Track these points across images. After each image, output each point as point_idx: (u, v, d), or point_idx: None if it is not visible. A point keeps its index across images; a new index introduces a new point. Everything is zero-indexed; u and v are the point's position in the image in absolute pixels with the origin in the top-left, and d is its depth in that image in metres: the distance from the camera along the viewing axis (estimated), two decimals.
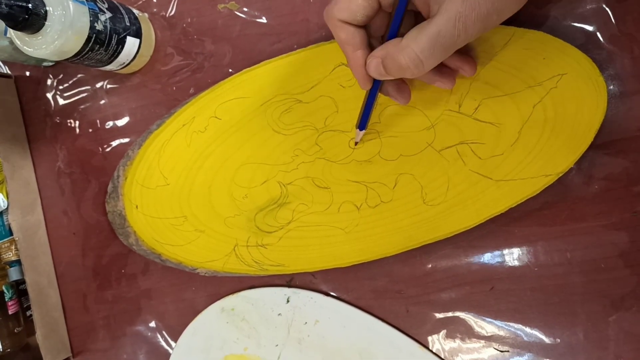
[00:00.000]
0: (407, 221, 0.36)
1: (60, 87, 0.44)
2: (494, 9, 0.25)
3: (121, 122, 0.43)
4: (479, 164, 0.35)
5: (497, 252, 0.36)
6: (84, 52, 0.36)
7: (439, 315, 0.38)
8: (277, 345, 0.40)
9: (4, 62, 0.46)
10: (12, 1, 0.31)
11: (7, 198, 0.42)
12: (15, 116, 0.45)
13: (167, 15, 0.42)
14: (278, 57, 0.37)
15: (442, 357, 0.37)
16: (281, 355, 0.40)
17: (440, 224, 0.36)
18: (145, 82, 0.42)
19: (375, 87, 0.31)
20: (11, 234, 0.44)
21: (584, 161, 0.34)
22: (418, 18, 0.30)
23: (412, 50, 0.26)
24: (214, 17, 0.41)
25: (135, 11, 0.40)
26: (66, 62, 0.37)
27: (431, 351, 0.37)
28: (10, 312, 0.43)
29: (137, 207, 0.41)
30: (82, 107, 0.44)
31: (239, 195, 0.39)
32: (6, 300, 0.43)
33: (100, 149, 0.44)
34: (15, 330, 0.43)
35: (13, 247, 0.45)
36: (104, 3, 0.36)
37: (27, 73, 0.45)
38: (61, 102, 0.45)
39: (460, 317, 0.37)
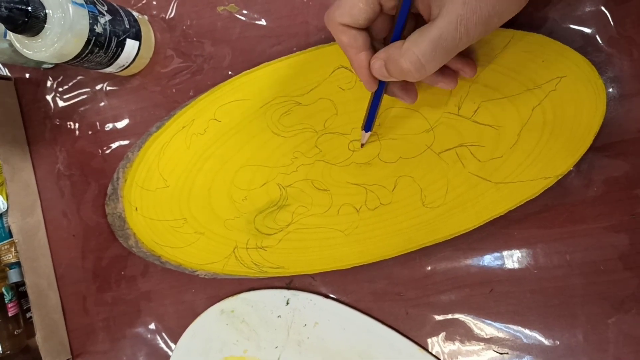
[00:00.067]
0: (407, 223, 0.36)
1: (60, 90, 0.44)
2: (494, 11, 0.25)
3: (121, 124, 0.43)
4: (479, 167, 0.35)
5: (496, 255, 0.36)
6: (83, 55, 0.36)
7: (438, 318, 0.38)
8: (276, 347, 0.40)
9: (4, 65, 0.46)
10: (12, 4, 0.31)
11: (7, 200, 0.42)
12: (15, 118, 0.45)
13: (167, 17, 0.42)
14: (277, 59, 0.38)
15: (442, 359, 0.37)
16: (281, 357, 0.40)
17: (440, 227, 0.36)
18: (144, 85, 0.42)
19: (381, 89, 0.31)
20: (11, 236, 0.44)
21: (583, 163, 0.34)
22: (419, 20, 0.30)
23: (413, 53, 0.26)
24: (214, 19, 0.41)
25: (135, 13, 0.40)
26: (66, 65, 0.37)
27: (431, 353, 0.37)
28: (10, 314, 0.43)
29: (136, 209, 0.41)
30: (81, 109, 0.44)
31: (239, 198, 0.39)
32: (6, 302, 0.43)
33: (100, 151, 0.44)
34: (15, 332, 0.43)
35: (13, 249, 0.45)
36: (103, 6, 0.37)
37: (27, 75, 0.45)
38: (61, 104, 0.45)
39: (460, 319, 0.37)
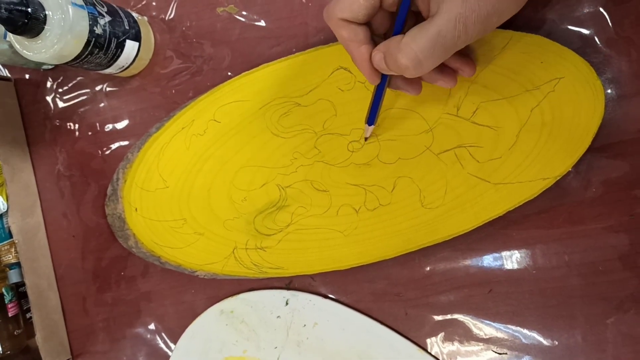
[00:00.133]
0: (406, 224, 0.36)
1: (60, 90, 0.45)
2: (494, 10, 0.25)
3: (120, 125, 0.43)
4: (477, 167, 0.35)
5: (495, 255, 0.37)
6: (83, 56, 0.36)
7: (437, 318, 0.38)
8: (276, 348, 0.40)
9: (4, 65, 0.46)
10: (12, 5, 0.31)
11: (7, 201, 0.43)
12: (15, 119, 0.45)
13: (167, 18, 0.42)
14: (277, 60, 0.38)
15: (441, 359, 0.38)
16: (280, 357, 0.40)
17: (439, 227, 0.36)
18: (144, 85, 0.42)
19: (383, 82, 0.31)
20: (11, 236, 0.44)
21: (582, 164, 0.34)
22: (419, 18, 0.30)
23: (411, 49, 0.26)
24: (213, 20, 0.41)
25: (135, 14, 0.40)
26: (65, 66, 0.37)
27: (430, 354, 0.38)
28: (10, 315, 0.43)
29: (136, 209, 0.41)
30: (81, 110, 0.44)
31: (238, 198, 0.39)
32: (6, 302, 0.43)
33: (100, 152, 0.44)
34: (15, 333, 0.43)
35: (13, 249, 0.45)
36: (103, 7, 0.37)
37: (27, 76, 0.45)
38: (61, 105, 0.45)
39: (459, 319, 0.37)
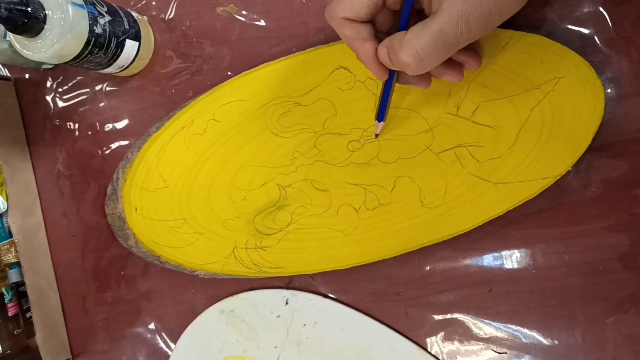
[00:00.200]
0: (406, 224, 0.36)
1: (60, 90, 0.45)
2: (495, 8, 0.25)
3: (120, 125, 0.43)
4: (477, 167, 0.35)
5: (495, 255, 0.37)
6: (83, 56, 0.36)
7: (437, 318, 0.38)
8: (276, 347, 0.40)
9: (4, 65, 0.46)
10: (12, 5, 0.31)
11: (7, 200, 0.43)
12: (15, 119, 0.45)
13: (166, 18, 0.42)
14: (277, 60, 0.38)
15: (441, 359, 0.38)
16: (280, 357, 0.40)
17: (439, 227, 0.36)
18: (144, 85, 0.42)
19: (391, 77, 0.31)
20: (11, 236, 0.44)
21: (582, 164, 0.34)
22: (421, 16, 0.30)
23: (412, 46, 0.26)
24: (213, 20, 0.41)
25: (134, 14, 0.40)
26: (65, 65, 0.37)
27: (430, 353, 0.38)
28: (10, 314, 0.43)
29: (136, 209, 0.41)
30: (81, 109, 0.44)
31: (238, 198, 0.39)
32: (6, 302, 0.43)
33: (100, 152, 0.44)
34: (15, 332, 0.43)
35: (13, 249, 0.45)
36: (103, 6, 0.37)
37: (27, 76, 0.45)
38: (60, 104, 0.45)
39: (459, 319, 0.37)
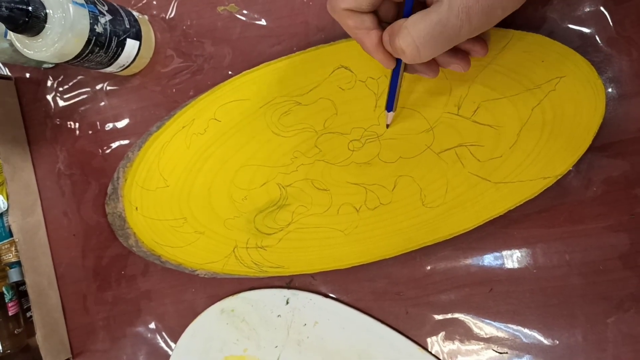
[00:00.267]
0: (407, 223, 0.36)
1: (60, 89, 0.45)
2: (498, 3, 0.25)
3: (121, 124, 0.43)
4: (478, 167, 0.35)
5: (496, 254, 0.37)
6: (84, 55, 0.36)
7: (438, 317, 0.38)
8: (276, 347, 0.40)
9: (4, 64, 0.46)
10: (13, 4, 0.31)
11: (7, 199, 0.43)
12: (16, 118, 0.45)
13: (167, 17, 0.42)
14: (277, 59, 0.38)
15: (441, 358, 0.38)
16: (280, 356, 0.40)
17: (440, 226, 0.36)
18: (145, 84, 0.42)
19: (398, 66, 0.31)
20: (11, 235, 0.44)
21: (583, 163, 0.34)
22: (424, 5, 0.29)
23: (409, 34, 0.26)
24: (214, 19, 0.41)
25: (135, 13, 0.40)
26: (66, 64, 0.37)
27: (430, 353, 0.38)
28: (10, 313, 0.43)
29: (137, 208, 0.41)
30: (82, 108, 0.44)
31: (239, 197, 0.39)
32: (6, 301, 0.43)
33: (100, 151, 0.44)
34: (16, 332, 0.43)
35: (13, 248, 0.45)
36: (104, 5, 0.37)
37: (27, 75, 0.45)
38: (61, 103, 0.45)
39: (460, 318, 0.37)
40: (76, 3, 0.34)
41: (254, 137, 0.38)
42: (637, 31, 0.33)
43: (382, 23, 0.30)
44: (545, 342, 0.36)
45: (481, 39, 0.31)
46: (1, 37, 0.39)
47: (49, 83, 0.45)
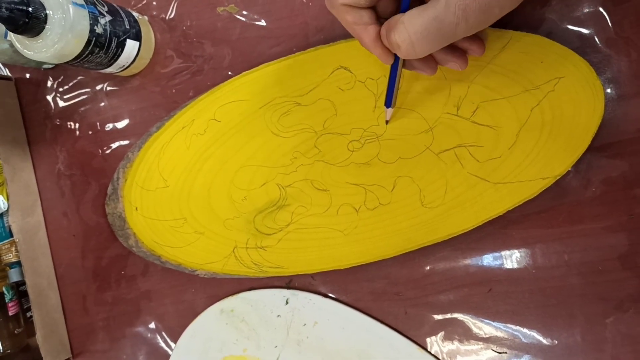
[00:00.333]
0: (406, 223, 0.36)
1: (60, 90, 0.45)
2: (495, 1, 0.25)
3: (121, 125, 0.43)
4: (477, 167, 0.35)
5: (495, 255, 0.37)
6: (83, 55, 0.36)
7: (437, 317, 0.38)
8: (276, 347, 0.40)
9: (4, 65, 0.46)
10: (13, 5, 0.31)
11: (8, 200, 0.43)
12: (16, 118, 0.45)
13: (167, 18, 0.42)
14: (277, 60, 0.38)
15: (441, 358, 0.38)
16: (280, 356, 0.40)
17: (439, 227, 0.36)
18: (145, 85, 0.43)
19: (397, 61, 0.31)
20: (11, 235, 0.44)
21: (582, 164, 0.34)
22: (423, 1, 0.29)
23: (405, 29, 0.26)
24: (214, 20, 0.41)
25: (135, 14, 0.40)
26: (66, 65, 0.37)
27: (430, 353, 0.38)
28: (10, 314, 0.43)
29: (136, 209, 0.41)
30: (82, 109, 0.44)
31: (238, 198, 0.39)
32: (6, 301, 0.43)
33: (100, 151, 0.44)
34: (16, 332, 0.43)
35: (13, 248, 0.45)
36: (103, 6, 0.37)
37: (27, 75, 0.45)
38: (61, 104, 0.45)
39: (459, 318, 0.37)
40: (76, 4, 0.34)
41: (253, 137, 0.39)
42: (636, 32, 0.33)
43: (380, 19, 0.30)
44: (544, 342, 0.36)
45: (478, 38, 0.31)
46: (1, 38, 0.39)
47: (49, 84, 0.45)
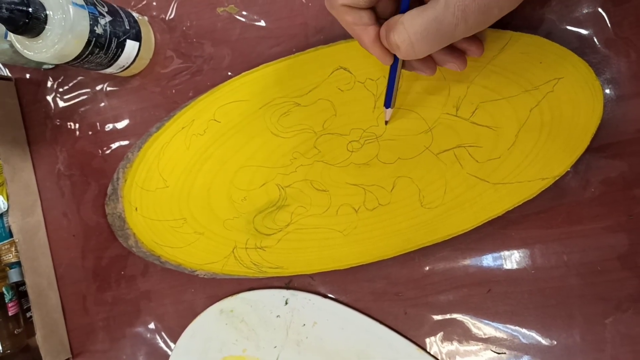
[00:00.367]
0: (405, 224, 0.36)
1: (60, 90, 0.45)
2: (495, 2, 0.25)
3: (121, 125, 0.43)
4: (477, 167, 0.35)
5: (494, 255, 0.37)
6: (84, 56, 0.36)
7: (436, 318, 0.38)
8: (275, 347, 0.40)
9: (4, 65, 0.46)
10: (13, 5, 0.31)
11: (8, 200, 0.43)
12: (16, 119, 0.45)
13: (167, 18, 0.42)
14: (277, 60, 0.38)
15: (440, 359, 0.38)
16: (279, 356, 0.40)
17: (438, 227, 0.36)
18: (144, 85, 0.43)
19: (396, 62, 0.31)
20: (11, 235, 0.44)
21: (581, 164, 0.34)
22: (422, 2, 0.29)
23: (404, 30, 0.26)
24: (214, 20, 0.41)
25: (135, 14, 0.40)
26: (66, 65, 0.37)
27: (429, 353, 0.38)
28: (10, 314, 0.43)
29: (136, 209, 0.41)
30: (82, 109, 0.44)
31: (238, 198, 0.39)
32: (6, 301, 0.43)
33: (100, 152, 0.44)
34: (15, 332, 0.43)
35: (13, 248, 0.45)
36: (103, 7, 0.37)
37: (27, 76, 0.45)
38: (61, 104, 0.45)
39: (458, 319, 0.37)
40: (76, 4, 0.34)
41: (253, 138, 0.39)
42: (635, 32, 0.33)
43: (380, 19, 0.30)
44: (544, 342, 0.36)
45: (477, 39, 0.31)
46: (1, 38, 0.39)
47: (49, 84, 0.45)
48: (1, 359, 0.42)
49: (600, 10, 0.33)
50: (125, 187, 0.41)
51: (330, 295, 0.40)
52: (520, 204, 0.34)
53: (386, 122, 0.36)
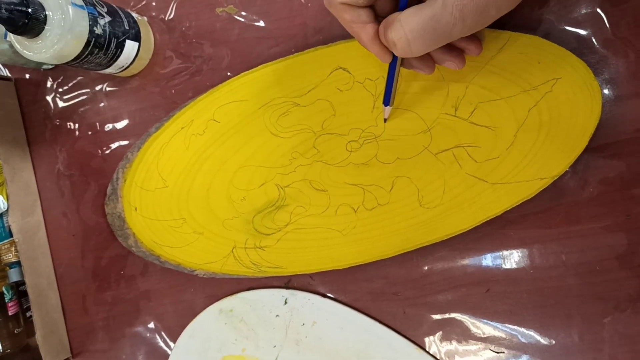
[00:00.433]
0: (404, 224, 0.36)
1: (60, 90, 0.45)
2: (493, 2, 0.25)
3: (120, 125, 0.43)
4: (475, 167, 0.35)
5: (493, 255, 0.37)
6: (83, 56, 0.36)
7: (435, 317, 0.38)
8: (274, 347, 0.40)
9: (4, 65, 0.46)
10: (12, 6, 0.31)
11: (7, 200, 0.43)
12: (15, 119, 0.45)
13: (166, 18, 0.42)
14: (276, 60, 0.38)
15: (439, 358, 0.38)
16: (279, 356, 0.40)
17: (437, 227, 0.36)
18: (144, 85, 0.43)
19: (395, 59, 0.31)
20: (11, 235, 0.44)
21: (579, 164, 0.35)
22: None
23: (401, 27, 0.26)
24: (213, 20, 0.41)
25: (134, 15, 0.40)
26: (66, 66, 0.37)
27: (428, 353, 0.38)
28: (10, 313, 0.43)
29: (136, 209, 0.41)
30: (81, 109, 0.44)
31: (237, 198, 0.39)
32: (6, 301, 0.43)
33: (100, 152, 0.44)
34: (15, 331, 0.43)
35: (13, 248, 0.45)
36: (103, 7, 0.37)
37: (27, 76, 0.45)
38: (61, 104, 0.45)
39: (457, 318, 0.37)
40: (75, 5, 0.34)
41: (252, 138, 0.39)
42: (634, 33, 0.33)
43: (379, 17, 0.30)
44: (542, 341, 0.36)
45: (476, 38, 0.31)
46: (1, 39, 0.39)
47: (49, 84, 0.45)
48: (1, 358, 0.42)
49: (598, 10, 0.34)
50: (124, 187, 0.41)
51: (329, 294, 0.40)
52: (518, 203, 0.34)
53: (385, 121, 0.36)
